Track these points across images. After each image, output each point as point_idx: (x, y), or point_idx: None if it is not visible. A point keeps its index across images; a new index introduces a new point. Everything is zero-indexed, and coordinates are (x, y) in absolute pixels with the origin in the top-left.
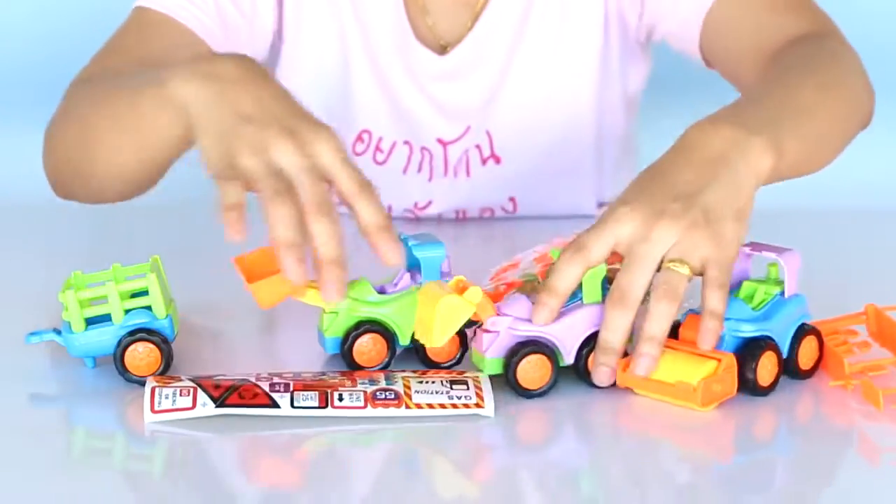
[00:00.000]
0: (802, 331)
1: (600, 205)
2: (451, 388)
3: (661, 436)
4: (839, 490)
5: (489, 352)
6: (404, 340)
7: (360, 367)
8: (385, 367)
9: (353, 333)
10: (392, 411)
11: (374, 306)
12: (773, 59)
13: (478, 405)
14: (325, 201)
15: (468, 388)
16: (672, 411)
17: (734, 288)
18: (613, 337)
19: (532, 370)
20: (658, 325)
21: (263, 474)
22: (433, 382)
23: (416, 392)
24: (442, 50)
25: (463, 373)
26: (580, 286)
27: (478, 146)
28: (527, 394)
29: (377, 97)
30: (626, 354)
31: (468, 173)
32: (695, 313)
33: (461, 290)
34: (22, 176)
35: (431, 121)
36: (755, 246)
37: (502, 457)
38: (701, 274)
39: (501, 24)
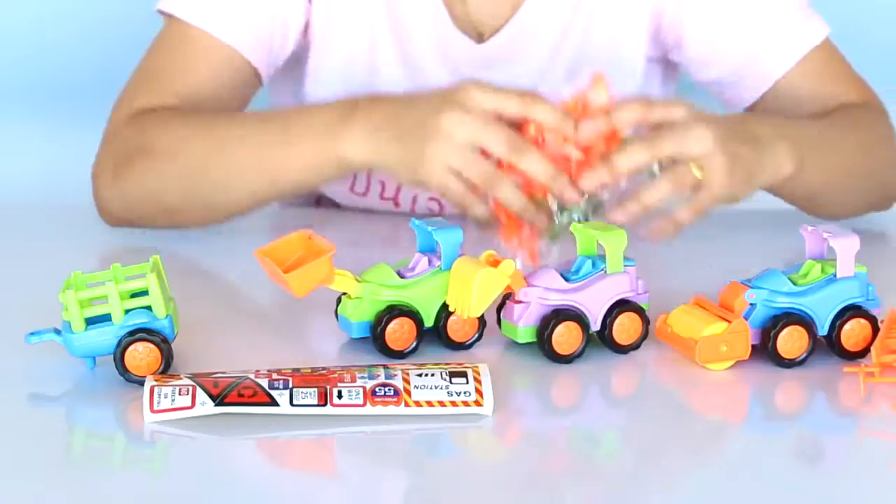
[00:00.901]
0: (851, 312)
1: None
2: (451, 383)
3: (682, 398)
4: (834, 463)
5: (521, 321)
6: (428, 322)
7: (391, 351)
8: (414, 350)
9: (386, 318)
10: (391, 409)
11: (398, 290)
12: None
13: (477, 402)
14: (517, 143)
15: (467, 382)
16: (691, 376)
17: (797, 266)
18: (623, 162)
19: (565, 337)
20: (650, 195)
21: (267, 472)
22: (432, 376)
23: (416, 388)
24: (479, 38)
25: (462, 364)
26: (604, 258)
27: None
28: (559, 359)
29: (407, 86)
30: (647, 319)
31: None
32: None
33: (494, 263)
34: (22, 176)
35: None
36: (819, 228)
37: (532, 419)
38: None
39: (543, 16)
